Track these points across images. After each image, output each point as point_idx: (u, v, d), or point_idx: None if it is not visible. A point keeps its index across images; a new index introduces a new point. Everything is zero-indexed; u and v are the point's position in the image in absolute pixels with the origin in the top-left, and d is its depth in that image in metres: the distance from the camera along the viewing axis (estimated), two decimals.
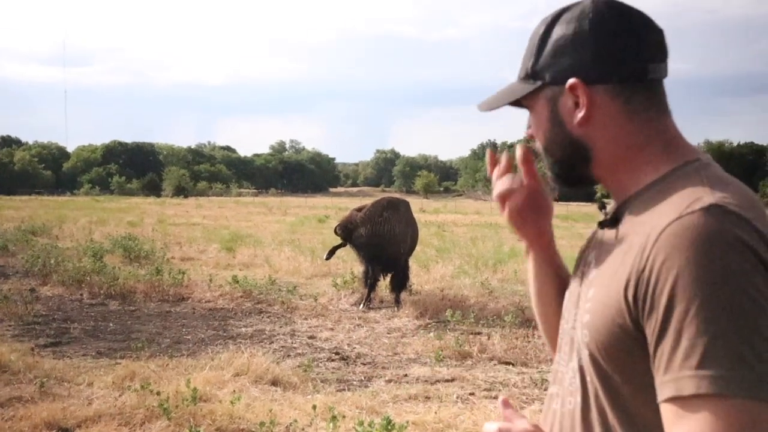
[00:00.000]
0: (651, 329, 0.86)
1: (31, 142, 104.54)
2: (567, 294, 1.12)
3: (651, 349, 0.86)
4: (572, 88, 1.00)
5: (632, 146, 1.01)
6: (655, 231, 0.89)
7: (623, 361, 0.92)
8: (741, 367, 0.79)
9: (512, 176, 1.14)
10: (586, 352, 0.97)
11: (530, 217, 1.16)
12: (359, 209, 9.10)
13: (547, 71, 1.02)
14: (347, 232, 8.73)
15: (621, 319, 0.91)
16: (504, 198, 1.15)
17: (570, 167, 1.06)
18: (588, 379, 0.98)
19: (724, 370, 0.79)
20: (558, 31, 1.01)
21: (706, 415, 0.79)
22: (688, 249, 0.84)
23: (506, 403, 1.02)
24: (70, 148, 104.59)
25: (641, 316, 0.88)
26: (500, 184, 1.15)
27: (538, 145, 1.08)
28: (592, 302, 0.97)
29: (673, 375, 0.83)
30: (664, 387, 0.84)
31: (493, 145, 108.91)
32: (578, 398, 1.00)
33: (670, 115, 1.03)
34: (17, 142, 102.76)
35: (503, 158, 1.17)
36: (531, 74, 1.04)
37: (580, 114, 1.00)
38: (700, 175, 0.95)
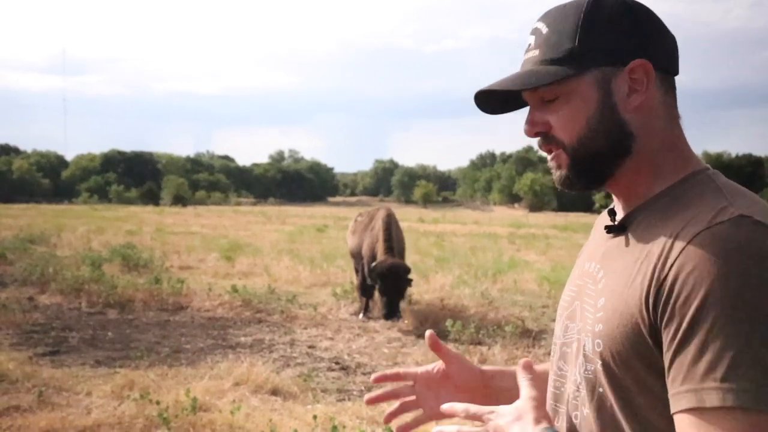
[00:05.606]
0: (670, 337, 0.85)
1: (29, 151, 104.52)
2: (560, 309, 1.10)
3: (667, 357, 0.85)
4: (635, 69, 0.95)
5: (665, 144, 0.98)
6: (681, 239, 0.87)
7: (641, 372, 0.90)
8: None
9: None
10: (599, 362, 0.94)
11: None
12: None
13: (598, 52, 0.95)
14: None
15: (640, 327, 0.89)
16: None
17: (607, 160, 0.98)
18: (600, 390, 0.96)
19: (750, 384, 0.78)
20: (606, 14, 0.96)
21: (730, 427, 0.78)
22: (719, 260, 0.82)
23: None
24: (69, 157, 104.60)
25: (660, 324, 0.86)
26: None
27: (563, 137, 0.98)
28: (604, 311, 0.95)
29: (694, 386, 0.81)
30: (682, 397, 0.82)
31: (492, 156, 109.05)
32: (585, 410, 0.98)
33: None
34: (16, 151, 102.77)
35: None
36: (573, 56, 0.95)
37: (639, 97, 0.95)
38: (717, 184, 0.93)
